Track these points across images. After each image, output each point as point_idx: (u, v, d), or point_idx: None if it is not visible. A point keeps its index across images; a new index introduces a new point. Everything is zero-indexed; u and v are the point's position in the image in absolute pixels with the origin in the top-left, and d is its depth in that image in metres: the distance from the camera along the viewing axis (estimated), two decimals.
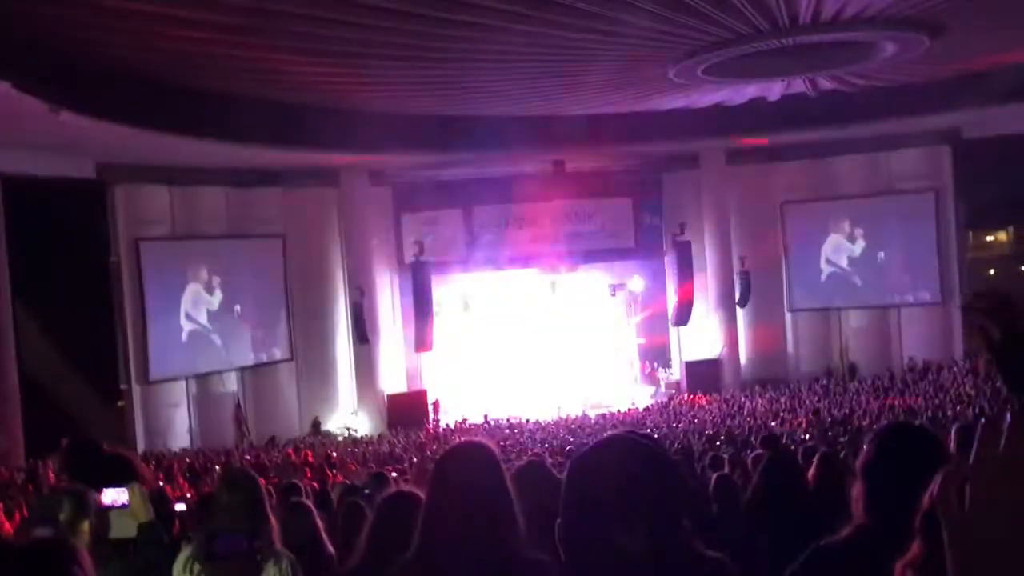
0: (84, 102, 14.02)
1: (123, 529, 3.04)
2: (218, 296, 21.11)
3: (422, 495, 3.10)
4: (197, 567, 3.05)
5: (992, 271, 29.16)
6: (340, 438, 21.01)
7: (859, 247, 24.28)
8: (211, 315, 20.93)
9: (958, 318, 23.53)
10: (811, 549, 2.24)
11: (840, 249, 24.43)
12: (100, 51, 13.53)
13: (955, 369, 20.83)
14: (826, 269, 24.50)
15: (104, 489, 3.05)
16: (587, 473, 1.75)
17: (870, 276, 24.14)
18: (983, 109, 19.75)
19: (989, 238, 31.03)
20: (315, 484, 8.75)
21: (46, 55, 12.94)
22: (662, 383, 25.12)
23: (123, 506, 3.05)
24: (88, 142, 16.40)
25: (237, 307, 21.46)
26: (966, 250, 24.97)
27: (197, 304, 20.70)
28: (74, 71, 13.62)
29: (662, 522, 1.68)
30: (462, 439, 2.41)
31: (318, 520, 3.99)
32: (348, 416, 22.59)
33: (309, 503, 4.34)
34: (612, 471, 1.70)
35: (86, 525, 2.98)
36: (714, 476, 5.83)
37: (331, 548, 3.86)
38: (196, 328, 20.64)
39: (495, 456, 2.23)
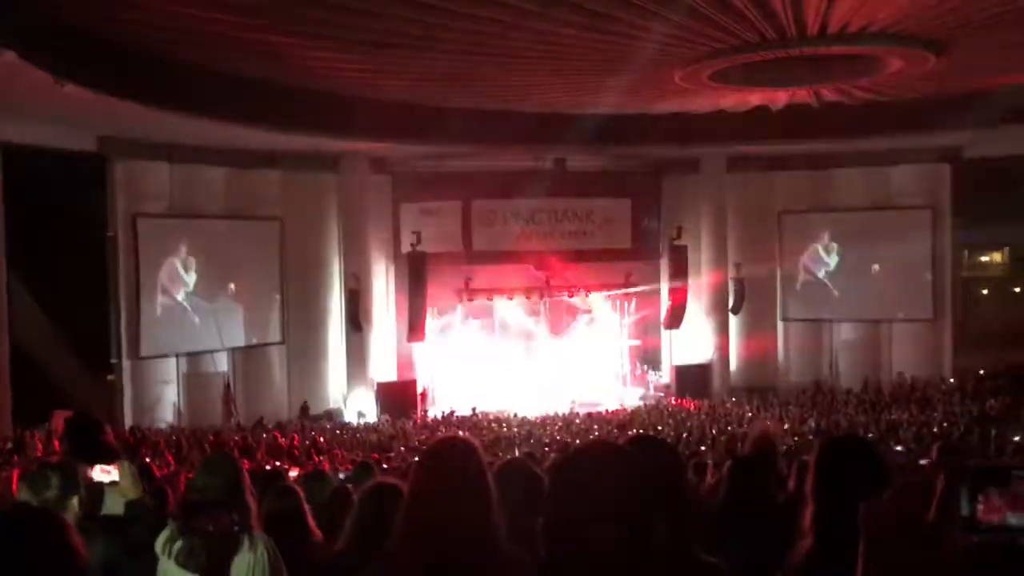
0: (88, 75, 13.99)
1: (112, 506, 3.07)
2: (212, 276, 21.08)
3: (404, 487, 3.15)
4: (177, 546, 3.06)
5: (985, 291, 29.29)
6: (355, 424, 20.99)
7: (845, 260, 24.29)
8: (204, 295, 20.91)
9: (949, 336, 23.65)
10: None
11: (830, 260, 24.47)
12: (106, 24, 13.49)
13: (943, 387, 20.93)
14: (815, 279, 24.54)
15: (95, 465, 3.08)
16: (568, 476, 1.79)
17: (863, 290, 24.19)
18: (985, 129, 19.81)
19: (984, 258, 31.14)
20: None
21: (51, 25, 12.91)
22: (651, 385, 25.16)
23: (112, 483, 3.08)
24: (90, 115, 16.34)
25: (231, 287, 21.44)
26: (960, 269, 25.07)
27: (188, 283, 20.68)
28: (79, 43, 13.59)
29: (638, 525, 1.71)
30: (446, 433, 2.46)
31: (305, 505, 4.02)
32: (352, 402, 22.59)
33: (297, 487, 4.35)
34: (590, 475, 1.74)
35: (75, 500, 3.01)
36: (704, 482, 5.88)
37: (318, 533, 3.89)
38: (188, 306, 20.62)
39: (478, 451, 2.28)
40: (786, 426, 16.82)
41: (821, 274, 24.42)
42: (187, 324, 20.67)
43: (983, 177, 22.46)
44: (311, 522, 3.97)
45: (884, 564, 1.10)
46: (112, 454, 3.59)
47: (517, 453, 11.89)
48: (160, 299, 20.12)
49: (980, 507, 1.26)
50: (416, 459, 2.39)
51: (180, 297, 20.59)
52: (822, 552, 2.14)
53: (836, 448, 2.32)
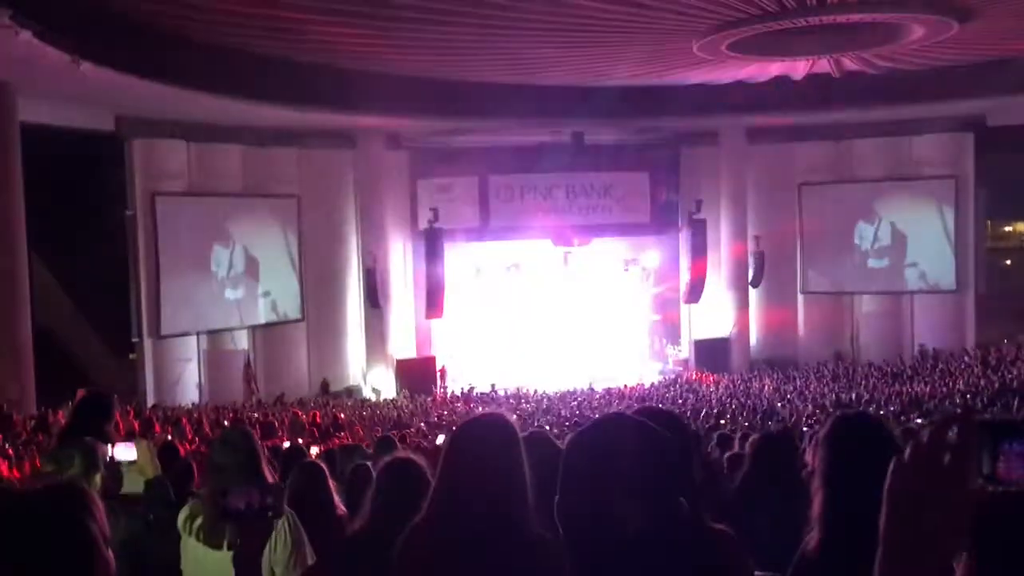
0: (105, 54, 13.98)
1: (130, 484, 3.07)
2: (232, 254, 21.17)
3: (424, 464, 3.11)
4: (198, 523, 3.05)
5: (1008, 262, 28.98)
6: (372, 399, 21.12)
7: (876, 232, 24.08)
8: (225, 272, 21.01)
9: (972, 307, 23.41)
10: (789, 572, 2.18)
11: (858, 234, 24.24)
12: (123, 3, 13.48)
13: (966, 358, 20.74)
14: (848, 251, 24.31)
15: (114, 444, 3.08)
16: (583, 451, 1.75)
17: (885, 261, 23.97)
18: (1009, 97, 19.47)
19: (1007, 228, 30.79)
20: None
21: (68, 5, 12.89)
22: (670, 360, 25.09)
23: (131, 461, 3.08)
24: (108, 95, 16.37)
25: (250, 265, 21.53)
26: (984, 239, 24.76)
27: (211, 261, 20.78)
28: (96, 22, 13.56)
29: (658, 499, 1.67)
30: (481, 410, 2.39)
31: (330, 481, 4.00)
32: (371, 379, 22.72)
33: (321, 463, 4.33)
34: (607, 449, 1.70)
35: (97, 479, 3.02)
36: (727, 454, 5.85)
37: (343, 508, 3.88)
38: (209, 284, 20.73)
39: (513, 430, 2.20)
40: (807, 401, 16.73)
41: (863, 248, 24.20)
42: (214, 303, 20.80)
43: (1007, 145, 22.11)
44: (336, 498, 3.96)
45: (905, 510, 1.07)
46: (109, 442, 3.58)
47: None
48: (199, 280, 20.26)
49: (1001, 464, 1.23)
50: (449, 436, 2.31)
51: (218, 277, 20.74)
52: (834, 543, 2.06)
53: (849, 428, 2.21)
